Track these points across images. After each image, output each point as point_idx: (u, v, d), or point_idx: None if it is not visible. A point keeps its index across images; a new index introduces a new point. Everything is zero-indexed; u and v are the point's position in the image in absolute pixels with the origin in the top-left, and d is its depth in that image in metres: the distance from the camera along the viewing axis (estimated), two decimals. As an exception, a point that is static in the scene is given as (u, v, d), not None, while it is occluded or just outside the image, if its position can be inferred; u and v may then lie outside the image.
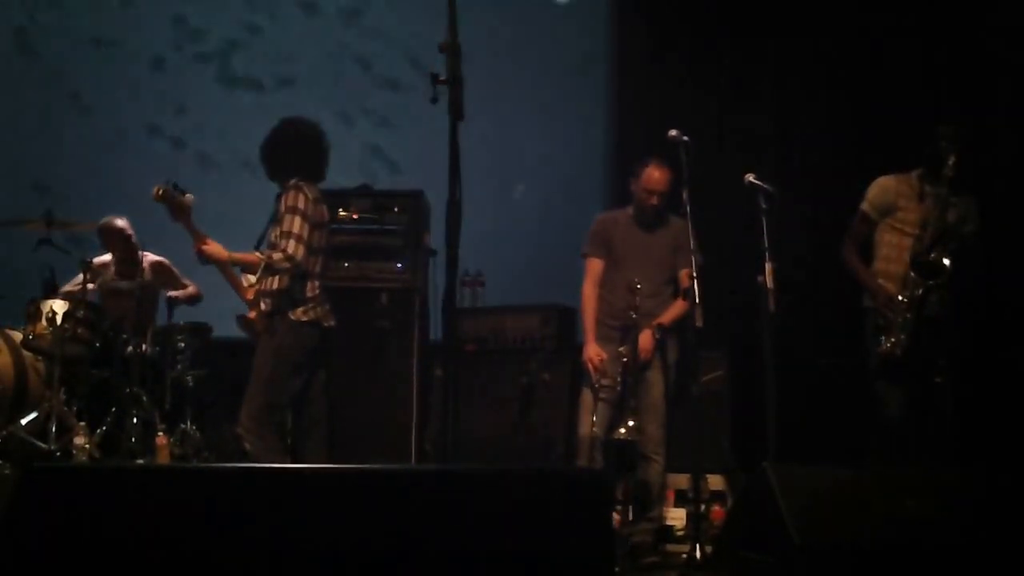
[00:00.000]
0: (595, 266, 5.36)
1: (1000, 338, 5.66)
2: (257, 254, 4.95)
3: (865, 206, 5.13)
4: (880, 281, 5.02)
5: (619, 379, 5.09)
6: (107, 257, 6.66)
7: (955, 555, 3.61)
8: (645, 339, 5.11)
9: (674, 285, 5.27)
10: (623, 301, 5.17)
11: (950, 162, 4.80)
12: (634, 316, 5.12)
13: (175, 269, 6.63)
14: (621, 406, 5.08)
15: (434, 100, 3.65)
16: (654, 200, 5.26)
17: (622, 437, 4.96)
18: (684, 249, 5.03)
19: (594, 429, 5.08)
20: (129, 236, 6.56)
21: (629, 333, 5.12)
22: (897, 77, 6.26)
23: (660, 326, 5.12)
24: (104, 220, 6.59)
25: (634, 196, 5.34)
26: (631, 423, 4.98)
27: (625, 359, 5.09)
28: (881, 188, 5.12)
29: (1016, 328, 5.67)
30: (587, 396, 5.21)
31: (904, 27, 6.31)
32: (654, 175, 5.26)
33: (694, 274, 4.69)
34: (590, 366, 5.17)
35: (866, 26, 6.47)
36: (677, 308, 5.19)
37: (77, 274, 6.26)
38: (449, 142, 3.61)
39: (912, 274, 4.83)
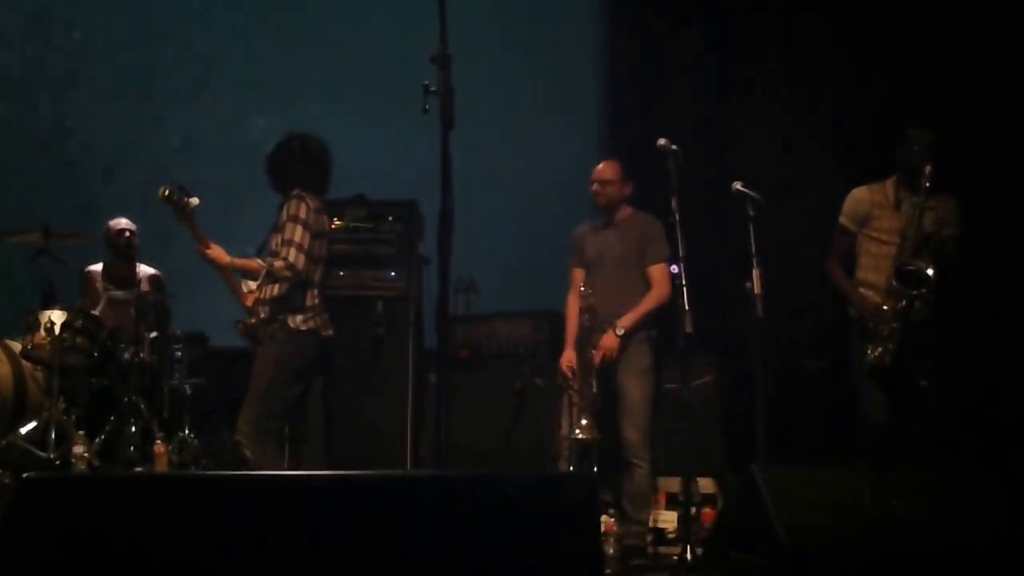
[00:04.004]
0: (575, 276, 5.41)
1: (983, 340, 5.70)
2: (259, 261, 5.00)
3: (842, 219, 5.17)
4: (861, 291, 5.07)
5: (593, 382, 5.13)
6: (99, 267, 6.71)
7: (941, 556, 3.65)
8: (608, 339, 5.15)
9: (645, 283, 5.28)
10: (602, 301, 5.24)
11: (926, 170, 4.84)
12: (588, 322, 5.18)
13: (164, 286, 6.71)
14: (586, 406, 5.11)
15: (425, 110, 3.71)
16: (594, 188, 5.35)
17: (578, 437, 5.02)
18: (651, 246, 5.19)
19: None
20: (135, 241, 6.65)
21: (589, 337, 5.19)
22: (894, 82, 6.30)
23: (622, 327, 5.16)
24: (113, 221, 6.68)
25: None
26: (584, 422, 5.02)
27: (593, 359, 5.15)
28: (854, 200, 5.16)
29: (1000, 329, 5.72)
30: (565, 400, 5.26)
31: (903, 29, 6.36)
32: (598, 166, 5.38)
33: (682, 275, 4.75)
34: (563, 370, 5.23)
35: (863, 30, 6.51)
36: (639, 311, 5.19)
37: (75, 284, 6.33)
38: (440, 151, 3.67)
39: (895, 284, 4.87)
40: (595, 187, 5.36)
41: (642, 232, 5.28)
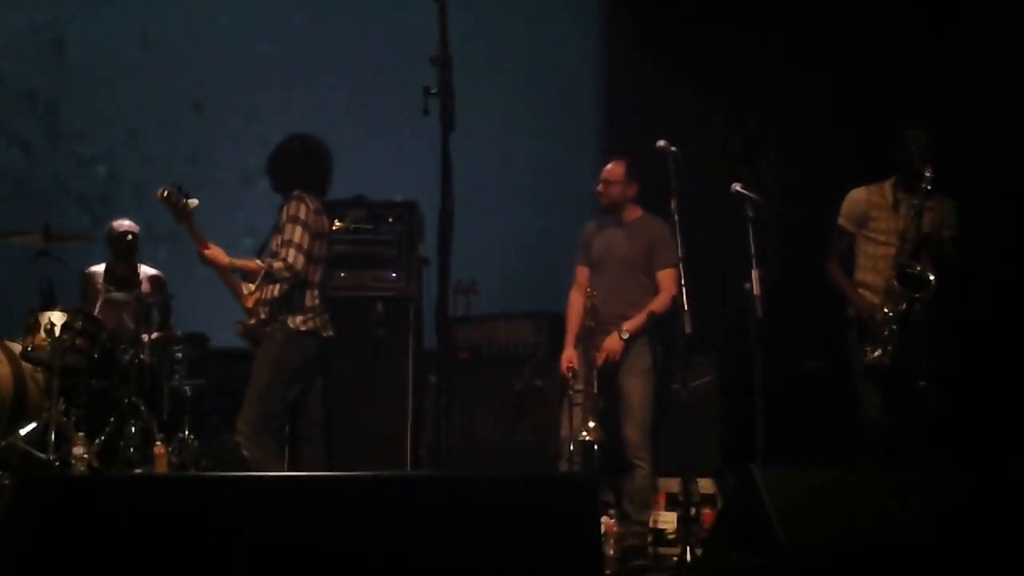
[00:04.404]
0: (580, 274, 5.43)
1: (982, 340, 5.71)
2: (257, 261, 5.00)
3: (841, 220, 5.17)
4: (860, 291, 5.07)
5: (595, 382, 5.13)
6: (99, 267, 6.73)
7: (938, 556, 3.66)
8: (611, 341, 5.16)
9: (651, 286, 5.30)
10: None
11: (926, 173, 4.85)
12: (591, 322, 5.18)
13: (165, 286, 6.73)
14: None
15: (426, 112, 3.71)
16: (601, 188, 5.36)
17: (585, 439, 5.02)
18: (661, 250, 5.17)
19: (573, 432, 5.14)
20: (136, 243, 6.68)
21: (592, 337, 5.18)
22: (895, 82, 6.30)
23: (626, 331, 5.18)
24: (117, 222, 6.71)
25: None
26: (591, 424, 5.03)
27: (596, 360, 5.15)
28: (852, 200, 5.16)
29: (998, 329, 5.73)
30: (566, 400, 5.26)
31: (904, 29, 6.36)
32: (606, 166, 5.40)
33: (682, 280, 4.75)
34: (562, 370, 5.24)
35: (862, 31, 6.52)
36: (644, 315, 5.20)
37: (75, 286, 6.34)
38: (441, 153, 3.67)
39: (896, 285, 4.87)
40: (599, 186, 5.37)
41: (651, 235, 5.28)
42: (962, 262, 5.00)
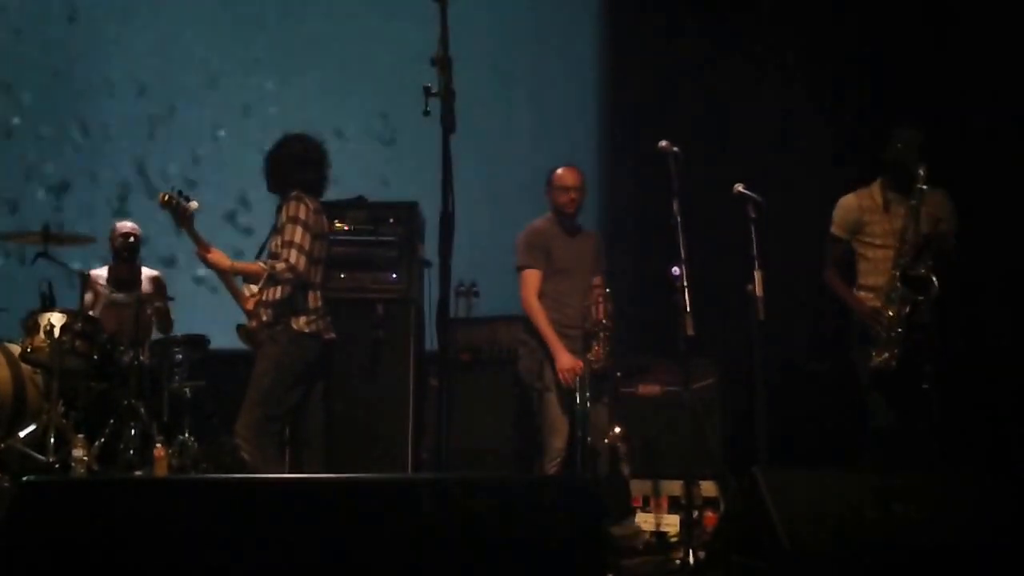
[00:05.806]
0: (535, 277, 5.37)
1: (984, 342, 5.70)
2: (259, 264, 4.99)
3: (834, 228, 5.14)
4: (862, 295, 5.04)
5: (587, 386, 5.12)
6: (102, 270, 6.73)
7: (943, 559, 3.65)
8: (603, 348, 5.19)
9: None
10: (576, 309, 5.24)
11: (921, 172, 4.82)
12: (605, 322, 5.17)
13: (165, 288, 6.73)
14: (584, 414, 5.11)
15: (426, 113, 3.71)
16: (572, 196, 5.40)
17: (612, 441, 5.02)
18: (601, 257, 5.42)
19: (579, 435, 5.13)
20: (138, 245, 6.68)
21: (592, 339, 5.18)
22: (897, 83, 6.30)
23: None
24: (119, 223, 6.71)
25: (552, 204, 5.47)
26: (618, 429, 5.03)
27: (597, 365, 5.14)
28: (844, 208, 5.13)
29: (1000, 331, 5.72)
30: (557, 409, 5.24)
31: (905, 30, 6.36)
32: (563, 173, 5.44)
33: (683, 277, 4.75)
34: (569, 377, 5.16)
35: (865, 31, 6.52)
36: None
37: (75, 287, 6.33)
38: (441, 154, 3.66)
39: (900, 286, 4.84)
40: (571, 195, 5.39)
41: (599, 245, 5.52)
42: (961, 257, 4.97)
